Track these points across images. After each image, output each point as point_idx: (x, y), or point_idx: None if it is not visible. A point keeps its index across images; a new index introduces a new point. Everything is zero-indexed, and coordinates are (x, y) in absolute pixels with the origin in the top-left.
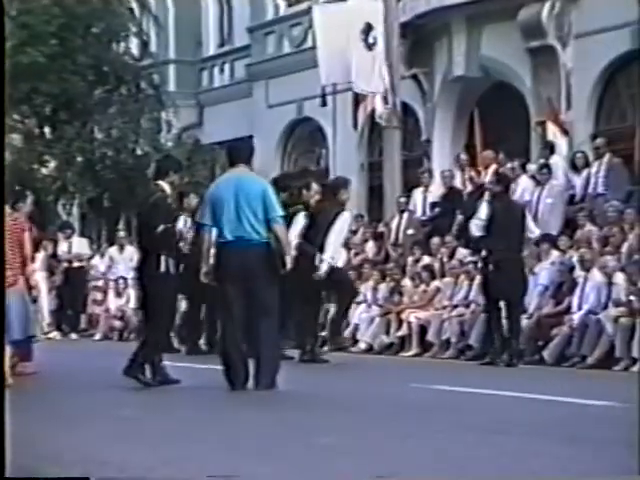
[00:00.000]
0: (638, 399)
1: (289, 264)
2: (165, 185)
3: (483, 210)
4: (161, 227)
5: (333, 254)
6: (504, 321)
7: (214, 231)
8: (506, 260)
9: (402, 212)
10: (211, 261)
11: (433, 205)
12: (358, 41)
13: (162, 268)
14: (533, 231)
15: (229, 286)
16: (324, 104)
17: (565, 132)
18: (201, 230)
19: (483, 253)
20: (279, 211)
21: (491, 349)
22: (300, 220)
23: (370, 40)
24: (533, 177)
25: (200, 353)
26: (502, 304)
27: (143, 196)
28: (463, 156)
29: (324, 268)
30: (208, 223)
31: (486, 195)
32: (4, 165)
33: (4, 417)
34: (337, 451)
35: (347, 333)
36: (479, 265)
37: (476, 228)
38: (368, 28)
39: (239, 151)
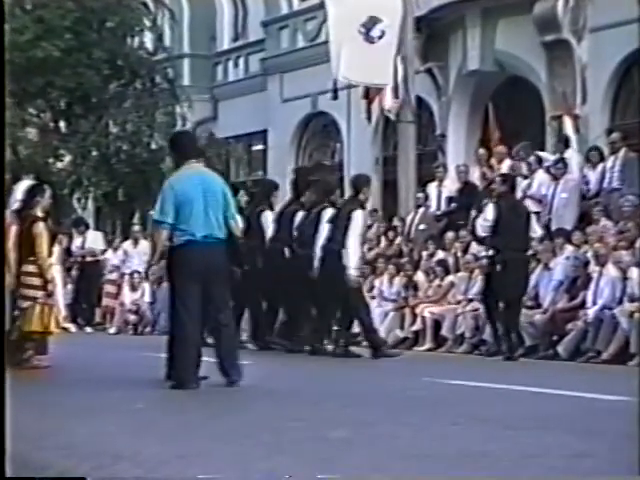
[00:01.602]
0: (638, 394)
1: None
2: None
3: (489, 211)
4: None
5: (356, 263)
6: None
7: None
8: (512, 259)
9: (419, 207)
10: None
11: (449, 200)
12: (356, 34)
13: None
14: (537, 231)
15: (192, 284)
16: (335, 97)
17: (577, 129)
18: (159, 227)
19: (490, 252)
20: (235, 210)
21: (502, 343)
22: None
23: (375, 33)
24: (549, 171)
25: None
26: (503, 301)
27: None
28: (482, 151)
29: (352, 277)
30: (170, 221)
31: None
32: (4, 165)
33: (4, 417)
34: (349, 445)
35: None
36: (485, 263)
37: (482, 228)
38: (372, 21)
39: (191, 146)
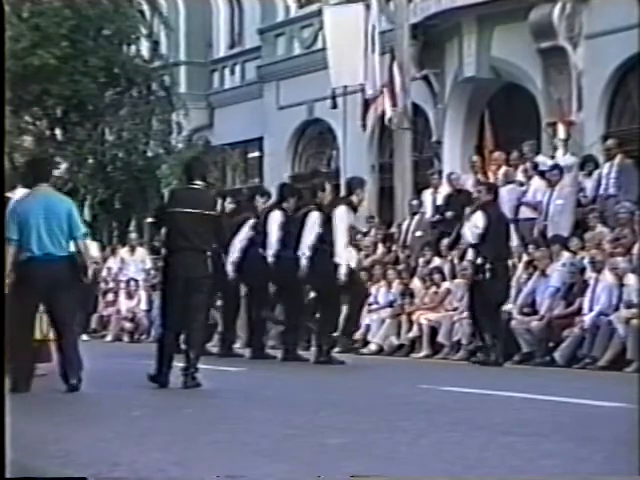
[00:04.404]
0: (638, 400)
1: (90, 275)
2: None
3: (479, 218)
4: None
5: (344, 256)
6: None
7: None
8: (499, 267)
9: (414, 214)
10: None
11: (438, 208)
12: (368, 44)
13: (211, 269)
14: (513, 239)
15: (32, 299)
16: (334, 106)
17: (569, 135)
18: (7, 243)
19: (479, 260)
20: (82, 229)
21: (488, 349)
22: (314, 221)
23: (374, 42)
24: (543, 175)
25: (235, 355)
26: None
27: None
28: (475, 158)
29: (342, 272)
30: (15, 238)
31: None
32: (4, 166)
33: (4, 417)
34: (347, 451)
35: (358, 335)
36: (472, 271)
37: (472, 236)
38: (373, 30)
39: (41, 170)
